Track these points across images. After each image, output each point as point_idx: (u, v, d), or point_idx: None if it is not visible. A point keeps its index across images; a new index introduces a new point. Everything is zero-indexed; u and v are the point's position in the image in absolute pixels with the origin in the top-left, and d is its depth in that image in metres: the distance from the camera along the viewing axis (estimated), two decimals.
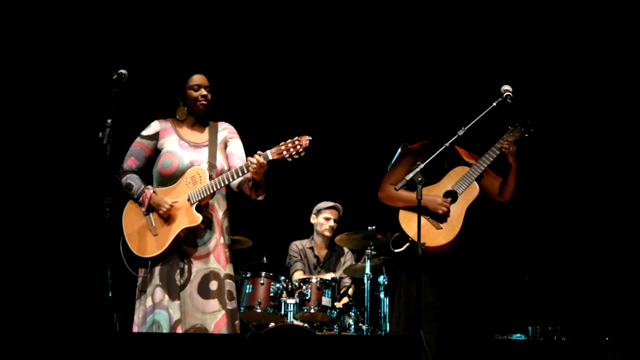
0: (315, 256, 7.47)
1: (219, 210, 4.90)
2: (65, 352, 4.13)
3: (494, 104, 4.86)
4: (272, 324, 6.37)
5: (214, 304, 4.71)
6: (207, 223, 4.82)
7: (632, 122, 7.45)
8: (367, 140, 8.18)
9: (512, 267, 7.14)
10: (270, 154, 4.64)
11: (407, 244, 5.13)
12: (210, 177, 4.78)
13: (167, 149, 4.88)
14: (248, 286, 6.65)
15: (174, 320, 4.66)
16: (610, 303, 7.36)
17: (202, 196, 4.73)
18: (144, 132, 4.98)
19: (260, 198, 4.89)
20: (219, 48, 8.01)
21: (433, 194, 5.13)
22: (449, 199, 5.10)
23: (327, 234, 7.41)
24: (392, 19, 7.96)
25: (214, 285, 4.74)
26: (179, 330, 4.64)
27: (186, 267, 4.74)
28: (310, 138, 4.61)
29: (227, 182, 4.74)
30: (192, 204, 4.74)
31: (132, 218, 4.88)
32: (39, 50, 7.44)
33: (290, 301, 6.56)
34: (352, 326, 6.63)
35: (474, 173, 5.08)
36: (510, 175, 5.12)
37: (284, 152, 4.62)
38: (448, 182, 5.16)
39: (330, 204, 7.45)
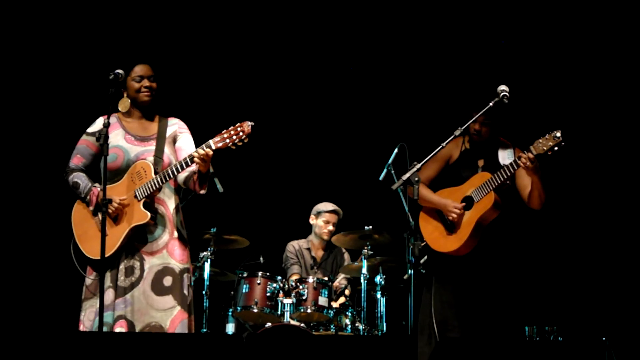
0: (312, 257, 7.46)
1: (170, 205, 4.74)
2: (35, 351, 4.07)
3: (491, 104, 4.83)
4: (268, 324, 6.38)
5: (168, 300, 4.59)
6: (157, 218, 4.67)
7: (629, 123, 7.45)
8: (364, 140, 8.17)
9: (508, 267, 7.13)
10: (213, 143, 4.49)
11: (423, 243, 5.15)
12: (156, 172, 4.63)
13: (112, 144, 4.70)
14: (245, 286, 6.64)
15: (114, 317, 4.54)
16: (606, 303, 7.36)
17: (149, 192, 4.59)
18: (89, 129, 4.84)
19: (203, 192, 4.71)
20: (216, 47, 8.01)
21: (452, 197, 5.11)
22: (463, 205, 5.07)
23: (325, 237, 7.39)
24: (392, 19, 7.96)
25: (168, 281, 4.61)
26: (118, 327, 4.51)
27: (137, 264, 4.62)
28: (252, 123, 4.44)
29: (172, 175, 4.59)
30: (139, 201, 4.61)
31: (80, 218, 4.76)
32: (36, 51, 7.43)
33: (287, 301, 6.56)
34: (349, 326, 6.63)
35: (493, 182, 4.98)
36: (532, 188, 5.00)
37: (227, 140, 4.46)
38: (469, 187, 5.10)
39: (331, 207, 7.41)
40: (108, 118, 4.52)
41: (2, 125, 7.34)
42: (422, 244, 5.15)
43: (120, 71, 4.64)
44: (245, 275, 6.70)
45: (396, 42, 8.04)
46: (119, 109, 4.83)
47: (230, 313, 6.75)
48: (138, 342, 4.10)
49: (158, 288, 4.60)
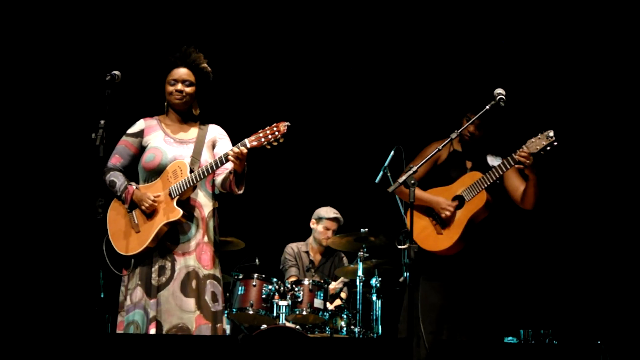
0: (311, 260, 7.47)
1: (205, 208, 4.80)
2: (58, 353, 4.11)
3: (487, 107, 4.82)
4: (264, 326, 6.38)
5: (191, 303, 4.63)
6: (191, 219, 4.73)
7: (618, 123, 7.46)
8: (361, 142, 8.18)
9: (503, 270, 7.14)
10: (249, 142, 4.55)
11: (408, 244, 5.14)
12: (192, 172, 4.68)
13: (151, 145, 4.81)
14: (240, 288, 6.64)
15: (149, 318, 4.60)
16: (602, 306, 7.37)
17: (182, 190, 4.64)
18: (129, 130, 4.91)
19: (240, 192, 4.78)
20: (214, 46, 8.00)
21: (443, 197, 5.10)
22: (455, 202, 5.06)
23: (324, 243, 7.40)
24: (387, 24, 7.97)
25: (193, 284, 4.66)
26: (152, 328, 4.56)
27: (169, 264, 4.66)
28: (288, 124, 4.49)
29: (207, 174, 4.63)
30: (172, 198, 4.65)
31: (115, 216, 4.81)
32: (32, 52, 7.43)
33: (283, 303, 6.56)
34: (344, 328, 6.63)
35: (484, 182, 4.97)
36: (528, 186, 4.98)
37: (262, 140, 4.52)
38: (459, 187, 5.09)
39: (333, 215, 7.41)
40: (104, 120, 4.53)
41: (6, 128, 7.36)
42: (408, 246, 5.14)
43: (116, 72, 4.64)
44: (240, 277, 6.70)
45: (392, 45, 8.05)
46: (165, 112, 4.92)
47: (225, 315, 6.74)
48: (132, 343, 4.10)
49: (186, 289, 4.65)
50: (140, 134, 4.89)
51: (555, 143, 4.73)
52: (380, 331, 6.65)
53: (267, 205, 8.29)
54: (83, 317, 6.84)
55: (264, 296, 6.57)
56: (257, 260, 7.08)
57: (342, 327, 6.65)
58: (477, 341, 4.92)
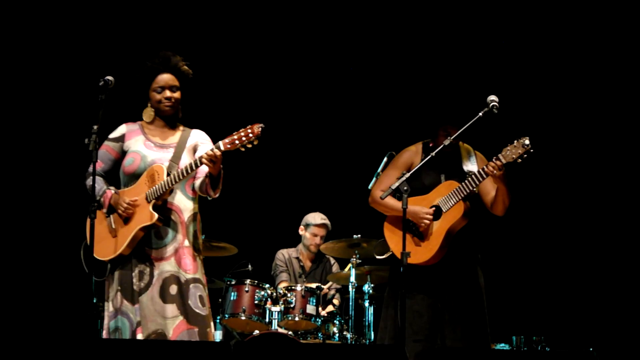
0: (301, 266, 7.47)
1: (184, 213, 4.75)
2: (49, 358, 4.09)
3: (480, 114, 4.80)
4: (256, 332, 6.37)
5: (172, 309, 4.60)
6: (169, 224, 4.69)
7: (598, 127, 7.49)
8: (353, 148, 8.18)
9: (493, 276, 7.16)
10: (223, 144, 4.49)
11: (389, 253, 5.09)
12: (169, 175, 4.63)
13: (132, 149, 4.78)
14: (232, 293, 6.63)
15: (134, 324, 4.58)
16: (594, 313, 7.38)
17: (158, 193, 4.60)
18: (111, 135, 4.87)
19: (216, 195, 4.74)
20: (200, 49, 8.01)
21: (418, 206, 5.00)
22: (432, 210, 4.97)
23: (313, 249, 7.41)
24: (380, 29, 7.98)
25: (173, 289, 4.62)
26: (139, 334, 4.55)
27: (147, 269, 4.63)
28: (262, 125, 4.45)
29: (181, 177, 4.58)
30: (148, 202, 4.62)
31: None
32: (26, 57, 7.42)
33: (275, 309, 6.55)
34: (337, 334, 6.63)
35: (461, 192, 4.88)
36: (497, 195, 4.91)
37: (237, 142, 4.46)
38: (436, 197, 4.99)
39: (320, 221, 7.40)
40: (99, 124, 4.54)
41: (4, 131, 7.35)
42: (389, 253, 5.10)
43: (110, 78, 4.62)
44: (233, 282, 6.69)
45: (384, 52, 8.07)
46: (143, 118, 4.87)
47: (218, 320, 6.73)
48: (123, 348, 4.09)
49: (164, 295, 4.61)
50: (121, 139, 4.86)
51: (532, 151, 4.64)
52: (372, 337, 6.65)
53: (260, 211, 8.29)
54: (76, 322, 6.82)
55: (256, 302, 6.56)
56: (249, 266, 7.07)
57: (334, 333, 6.65)
58: (464, 348, 4.88)
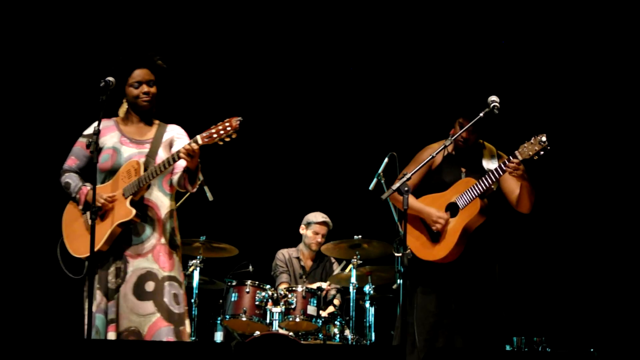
0: (302, 266, 7.46)
1: (161, 209, 4.69)
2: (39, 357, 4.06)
3: (481, 114, 4.81)
4: (257, 333, 6.37)
5: (148, 306, 4.54)
6: (146, 220, 4.64)
7: (614, 126, 7.48)
8: (355, 149, 8.18)
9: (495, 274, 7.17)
10: (200, 138, 4.43)
11: (408, 250, 5.12)
12: (146, 171, 4.58)
13: (107, 145, 4.71)
14: (233, 294, 6.63)
15: (107, 321, 4.53)
16: (595, 314, 7.37)
17: (135, 189, 4.55)
18: (86, 132, 4.82)
19: (194, 190, 4.70)
20: (206, 55, 8.02)
21: (436, 204, 5.04)
22: (447, 214, 5.00)
23: (314, 248, 7.40)
24: (380, 30, 7.98)
25: (150, 286, 4.56)
26: (111, 331, 4.50)
27: (122, 266, 4.57)
28: (240, 119, 4.38)
29: (159, 172, 4.54)
30: (125, 198, 4.56)
31: (70, 218, 4.73)
32: (26, 58, 7.42)
33: (276, 310, 6.55)
34: (337, 335, 6.63)
35: (477, 189, 4.91)
36: (521, 192, 4.93)
37: (214, 135, 4.40)
38: (453, 194, 5.03)
39: (321, 219, 7.40)
40: (99, 125, 4.52)
41: None
42: (408, 250, 5.13)
43: (111, 79, 4.58)
44: (234, 283, 6.69)
45: (385, 52, 8.06)
46: (119, 114, 4.83)
47: (218, 321, 6.73)
48: (123, 349, 4.09)
49: (139, 292, 4.56)
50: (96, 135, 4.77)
51: (549, 148, 4.66)
52: (373, 338, 6.65)
53: (261, 212, 8.28)
54: (62, 323, 6.79)
55: (257, 303, 6.56)
56: (250, 267, 7.07)
57: (335, 334, 6.64)
58: (474, 348, 4.89)
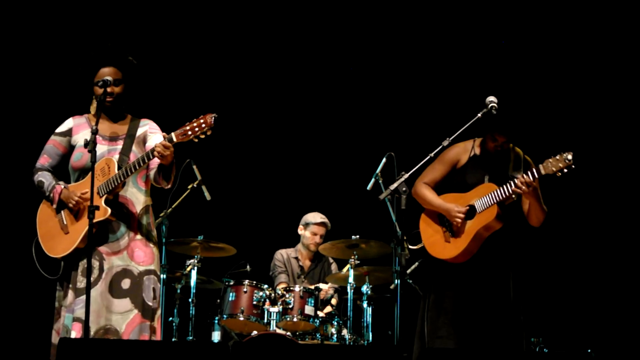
0: (300, 266, 7.46)
1: (136, 205, 4.66)
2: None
3: (479, 115, 4.83)
4: (255, 333, 6.37)
5: (125, 303, 4.52)
6: (121, 217, 4.60)
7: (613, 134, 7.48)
8: (353, 149, 8.18)
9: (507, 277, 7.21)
10: (175, 135, 4.40)
11: (421, 245, 5.12)
12: (120, 168, 4.55)
13: (80, 144, 4.65)
14: (231, 294, 6.63)
15: (73, 319, 4.47)
16: (592, 315, 7.38)
17: (110, 187, 4.50)
18: (58, 129, 4.79)
19: (168, 186, 4.67)
20: (201, 56, 8.01)
21: (455, 204, 5.05)
22: (466, 209, 5.00)
23: (312, 248, 7.40)
24: (379, 30, 7.98)
25: (126, 283, 4.54)
26: (74, 330, 4.43)
27: (97, 263, 4.52)
28: (215, 115, 4.34)
29: (133, 170, 4.50)
30: (100, 197, 4.51)
31: (45, 217, 4.70)
32: (23, 56, 7.41)
33: (273, 309, 6.54)
34: (335, 335, 6.62)
35: (497, 196, 4.90)
36: (529, 209, 4.99)
37: (189, 132, 4.36)
38: (474, 196, 5.02)
39: (319, 219, 7.40)
40: (96, 124, 4.50)
41: None
42: (421, 244, 5.13)
43: (108, 78, 4.59)
44: (231, 283, 6.68)
45: (384, 52, 8.06)
46: (90, 111, 4.80)
47: (216, 321, 6.73)
48: (120, 348, 4.08)
49: (116, 290, 4.54)
50: (68, 133, 4.77)
51: (573, 167, 4.64)
52: (370, 338, 6.64)
53: (258, 211, 8.28)
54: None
55: (254, 302, 6.56)
56: (248, 267, 7.06)
57: (332, 334, 6.64)
58: (486, 348, 4.89)
